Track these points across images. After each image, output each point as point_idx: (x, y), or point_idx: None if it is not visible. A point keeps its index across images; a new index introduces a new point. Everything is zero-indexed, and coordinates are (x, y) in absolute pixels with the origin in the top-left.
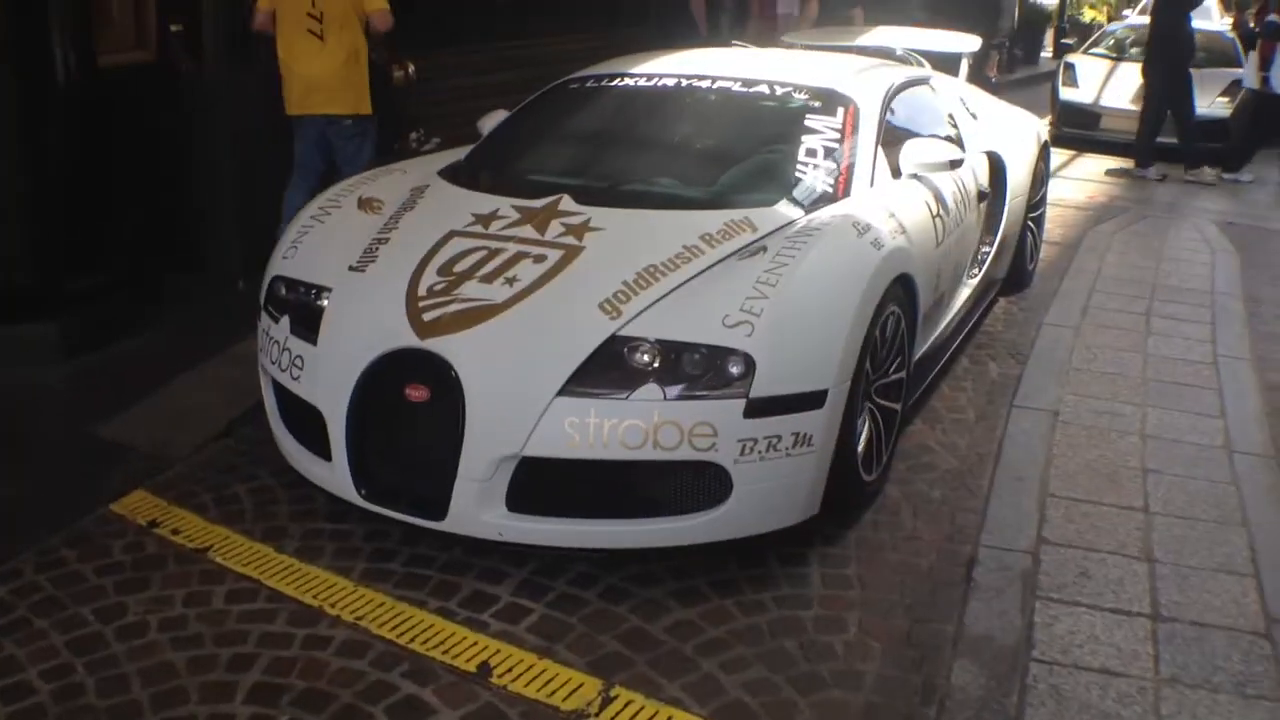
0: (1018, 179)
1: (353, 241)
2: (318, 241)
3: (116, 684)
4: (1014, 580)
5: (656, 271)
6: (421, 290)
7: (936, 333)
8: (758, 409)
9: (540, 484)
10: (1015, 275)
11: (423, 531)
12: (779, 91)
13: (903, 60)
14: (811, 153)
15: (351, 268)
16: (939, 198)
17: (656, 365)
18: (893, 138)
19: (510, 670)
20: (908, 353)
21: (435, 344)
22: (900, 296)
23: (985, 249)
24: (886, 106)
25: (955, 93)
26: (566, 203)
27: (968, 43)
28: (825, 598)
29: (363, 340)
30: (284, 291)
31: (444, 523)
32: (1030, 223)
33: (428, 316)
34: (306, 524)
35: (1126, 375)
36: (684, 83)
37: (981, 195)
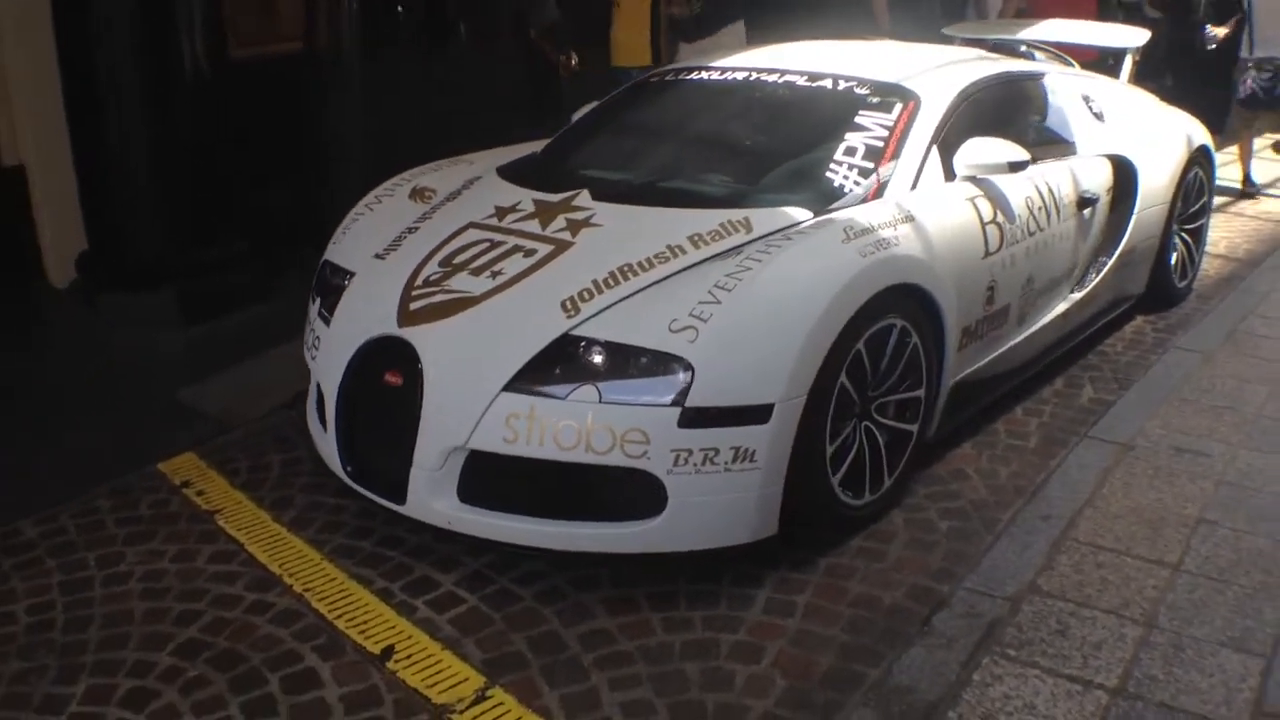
0: (1153, 186)
1: (390, 230)
2: (363, 229)
3: (80, 623)
4: (976, 630)
5: (629, 270)
6: (419, 280)
7: (999, 350)
8: (693, 419)
9: (491, 477)
10: (1157, 291)
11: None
12: (841, 86)
13: (1024, 56)
14: (851, 151)
15: (376, 255)
16: (998, 202)
17: (604, 367)
18: (969, 136)
19: (410, 657)
20: (927, 370)
21: (409, 333)
22: (909, 308)
23: (1102, 259)
24: (960, 103)
25: (1077, 91)
26: (582, 198)
27: (1132, 37)
28: (758, 624)
29: (360, 324)
30: (328, 275)
31: (404, 507)
32: (1185, 235)
33: (413, 305)
34: (313, 496)
35: (1239, 409)
36: (752, 76)
37: (1085, 201)
